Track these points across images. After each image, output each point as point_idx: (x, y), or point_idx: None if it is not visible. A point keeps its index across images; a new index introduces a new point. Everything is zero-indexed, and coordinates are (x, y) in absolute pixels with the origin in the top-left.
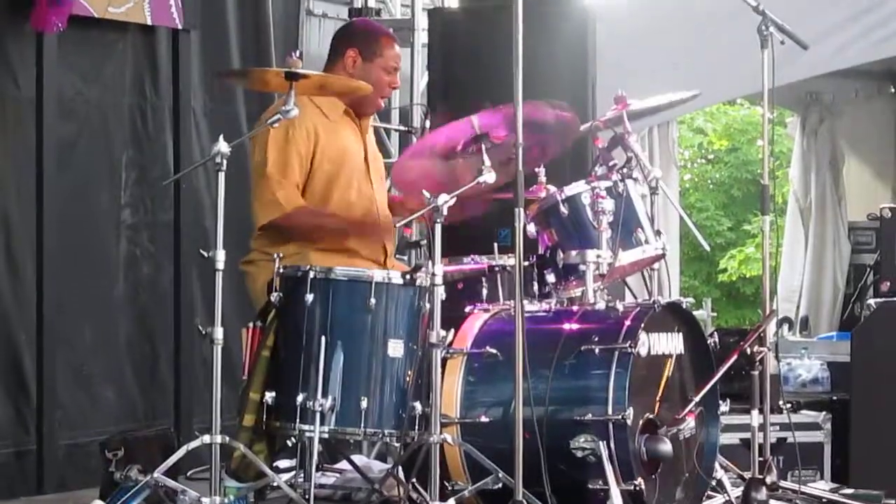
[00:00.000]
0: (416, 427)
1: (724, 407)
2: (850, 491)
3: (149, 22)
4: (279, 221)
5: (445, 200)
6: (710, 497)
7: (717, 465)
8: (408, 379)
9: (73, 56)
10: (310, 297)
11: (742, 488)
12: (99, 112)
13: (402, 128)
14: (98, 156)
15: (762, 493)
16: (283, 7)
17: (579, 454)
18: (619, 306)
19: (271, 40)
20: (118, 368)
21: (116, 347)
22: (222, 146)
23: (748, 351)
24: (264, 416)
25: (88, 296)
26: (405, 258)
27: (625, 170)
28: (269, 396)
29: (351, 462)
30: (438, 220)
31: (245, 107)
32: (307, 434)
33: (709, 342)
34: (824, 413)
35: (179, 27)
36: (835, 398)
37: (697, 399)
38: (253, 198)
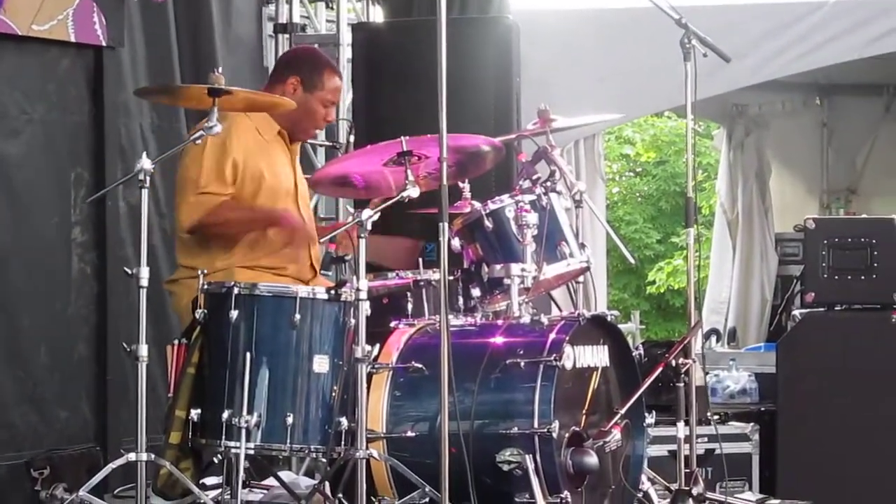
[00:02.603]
0: (343, 442)
1: (650, 419)
2: (776, 501)
3: (73, 39)
4: (207, 220)
5: (369, 215)
6: None
7: (643, 478)
8: (333, 394)
9: (15, 75)
10: (234, 314)
11: (669, 500)
12: (45, 130)
13: (327, 143)
14: (47, 174)
15: None
16: (235, 25)
17: (506, 468)
18: (544, 320)
19: (217, 57)
20: (70, 388)
21: (70, 366)
22: (145, 163)
23: (673, 363)
24: (190, 434)
25: (40, 313)
26: (330, 273)
27: (548, 183)
28: (195, 413)
29: (278, 478)
30: (363, 236)
31: (190, 124)
32: (233, 450)
33: (634, 354)
34: (752, 424)
35: (104, 45)
36: (763, 409)
37: (623, 411)
38: (178, 203)
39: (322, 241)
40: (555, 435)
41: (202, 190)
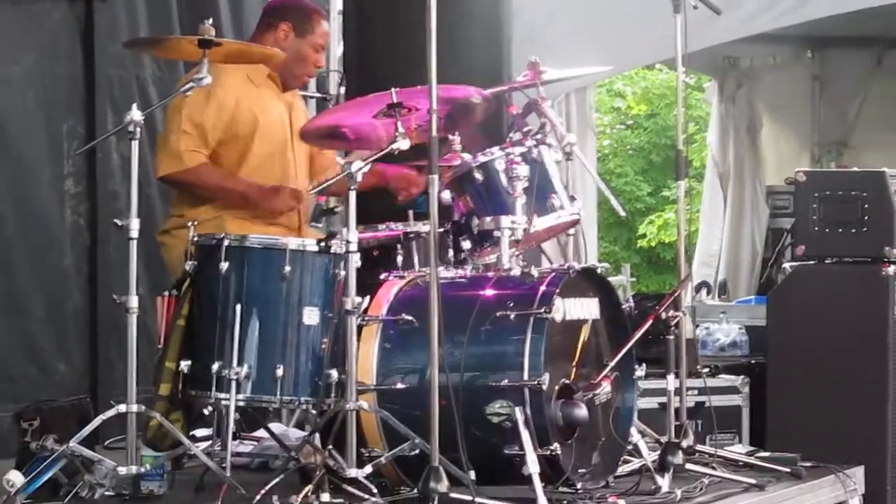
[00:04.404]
0: (333, 394)
1: (640, 371)
2: (765, 454)
3: None
4: (179, 176)
5: (360, 168)
6: (626, 461)
7: (633, 430)
8: (323, 346)
9: (6, 26)
10: (224, 266)
11: (658, 452)
12: (37, 82)
13: (318, 95)
14: (40, 126)
15: (678, 457)
16: None
17: (495, 420)
18: (534, 272)
19: (219, 5)
20: (66, 339)
21: (65, 318)
22: (135, 114)
23: (664, 315)
24: (180, 385)
25: (35, 266)
26: (320, 226)
27: (539, 136)
28: (185, 365)
29: (268, 430)
30: (353, 188)
31: None
32: (223, 402)
33: (625, 307)
34: (742, 377)
35: None
36: (753, 362)
37: (613, 364)
38: (157, 149)
39: (311, 192)
40: (544, 387)
41: (185, 143)
